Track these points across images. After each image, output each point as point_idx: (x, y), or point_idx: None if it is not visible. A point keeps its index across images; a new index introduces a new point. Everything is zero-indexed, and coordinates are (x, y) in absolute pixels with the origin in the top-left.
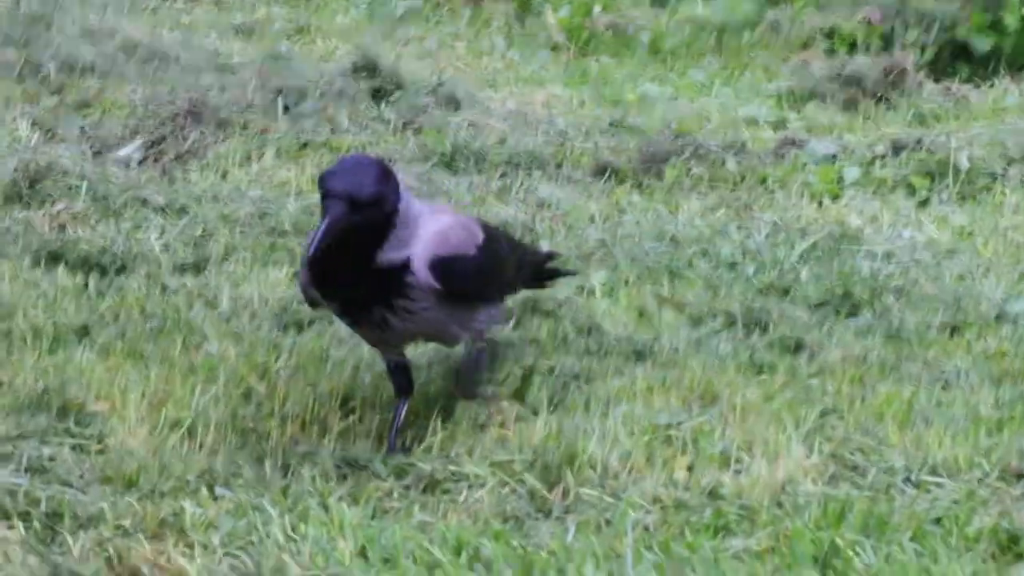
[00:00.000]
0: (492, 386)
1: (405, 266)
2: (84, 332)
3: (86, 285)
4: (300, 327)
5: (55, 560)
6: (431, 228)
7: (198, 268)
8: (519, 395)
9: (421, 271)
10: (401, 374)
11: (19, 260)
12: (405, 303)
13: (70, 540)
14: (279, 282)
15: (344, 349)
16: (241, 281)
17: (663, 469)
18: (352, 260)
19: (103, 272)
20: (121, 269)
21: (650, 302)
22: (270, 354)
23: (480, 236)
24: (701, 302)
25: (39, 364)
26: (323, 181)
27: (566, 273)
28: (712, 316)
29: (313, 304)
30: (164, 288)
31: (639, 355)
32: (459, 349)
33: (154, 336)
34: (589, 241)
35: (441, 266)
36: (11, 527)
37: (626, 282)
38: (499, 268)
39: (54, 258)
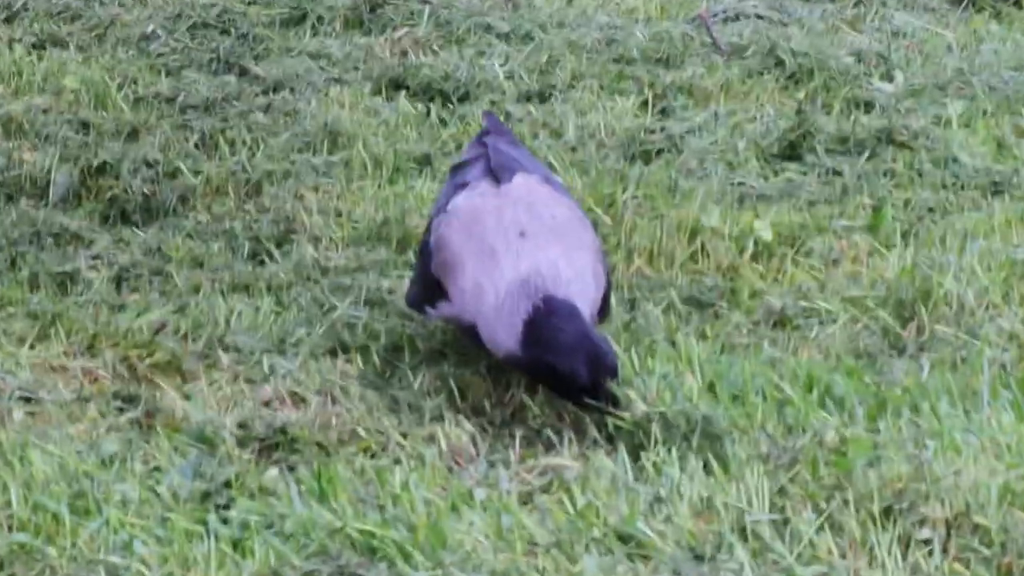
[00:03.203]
0: None
1: None
2: (425, 161)
3: (428, 113)
4: (648, 157)
5: (395, 394)
6: (593, 281)
7: (543, 96)
8: (872, 229)
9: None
10: None
11: (359, 87)
12: None
13: (410, 375)
14: (626, 111)
15: (693, 179)
16: (587, 110)
17: (1021, 305)
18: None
19: (445, 99)
20: (464, 97)
21: (1009, 133)
22: (616, 185)
23: (605, 264)
24: None
25: (379, 194)
26: (609, 369)
27: None
28: None
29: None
30: (508, 116)
31: (997, 188)
32: None
33: None
34: (946, 71)
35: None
36: (349, 361)
37: (984, 112)
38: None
39: (395, 85)
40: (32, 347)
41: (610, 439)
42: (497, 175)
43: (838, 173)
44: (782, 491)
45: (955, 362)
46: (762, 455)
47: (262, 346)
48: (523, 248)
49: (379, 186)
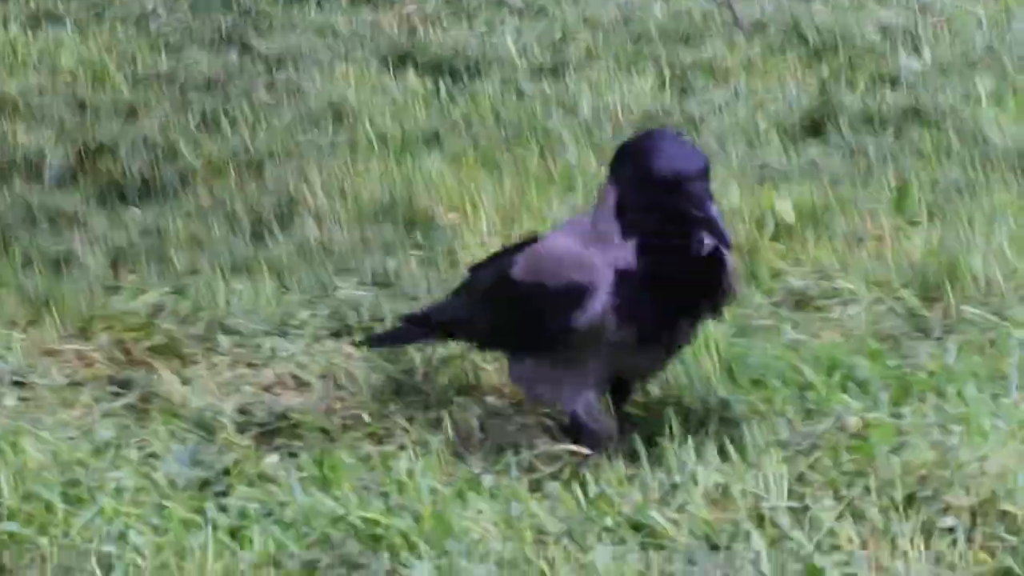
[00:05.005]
0: None
1: (723, 262)
2: (434, 139)
3: (437, 90)
4: None
5: (400, 378)
6: None
7: (556, 72)
8: (898, 207)
9: (729, 259)
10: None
11: (366, 63)
12: (717, 303)
13: (416, 358)
14: (643, 90)
15: (713, 159)
16: (603, 88)
17: None
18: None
19: (455, 76)
20: (475, 73)
21: None
22: None
23: None
24: None
25: (386, 173)
26: (662, 165)
27: None
28: None
29: (543, 347)
30: (520, 93)
31: None
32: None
33: (508, 144)
34: (976, 47)
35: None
36: (354, 343)
37: (1014, 89)
38: None
39: (403, 61)
40: (24, 330)
41: (624, 425)
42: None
43: (863, 151)
44: (801, 478)
45: (982, 345)
46: (781, 441)
47: (263, 328)
48: None
49: (385, 165)
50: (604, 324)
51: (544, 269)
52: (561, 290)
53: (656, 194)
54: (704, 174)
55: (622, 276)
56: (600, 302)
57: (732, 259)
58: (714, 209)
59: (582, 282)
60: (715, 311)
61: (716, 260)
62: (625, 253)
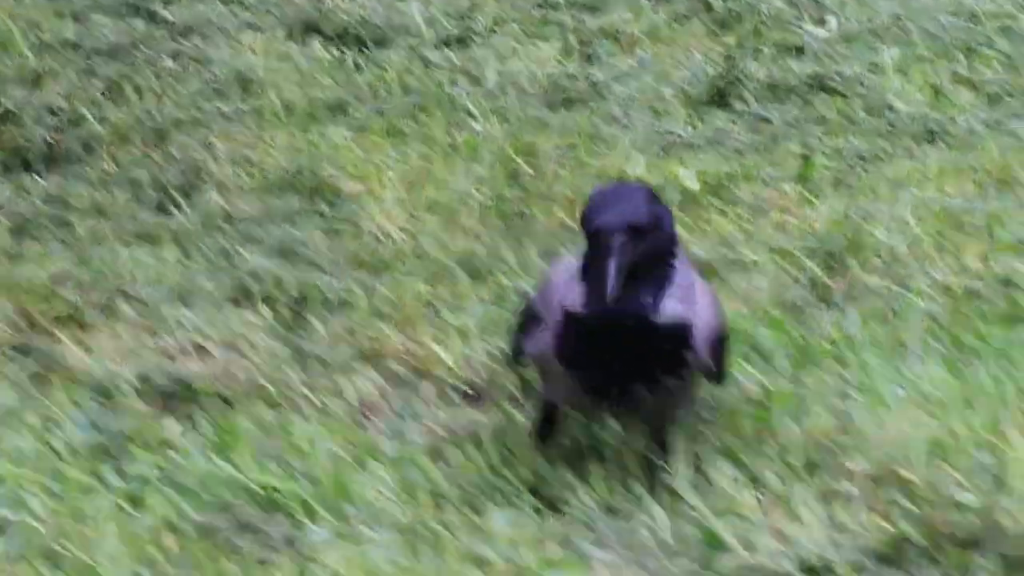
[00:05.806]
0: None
1: (685, 332)
2: (339, 108)
3: (343, 58)
4: (570, 104)
5: (301, 346)
6: (706, 299)
7: (463, 41)
8: (801, 177)
9: (701, 348)
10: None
11: (272, 32)
12: (672, 382)
13: (318, 325)
14: (549, 57)
15: (617, 127)
16: (508, 56)
17: (954, 256)
18: (632, 312)
19: (361, 45)
20: (381, 42)
21: (946, 80)
22: (538, 133)
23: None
24: (1000, 80)
25: (291, 142)
26: (590, 218)
27: None
28: (1011, 95)
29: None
30: (426, 62)
31: (932, 136)
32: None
33: (414, 113)
34: (881, 15)
35: (717, 347)
36: (256, 311)
37: (920, 58)
38: None
39: (309, 29)
40: None
41: (525, 391)
42: None
43: (767, 121)
44: (701, 443)
45: (885, 314)
46: None
47: (166, 297)
48: None
49: (291, 134)
50: (549, 362)
51: (541, 282)
52: (527, 312)
53: (587, 242)
54: (628, 230)
55: (568, 317)
56: (544, 339)
57: (706, 332)
58: (614, 264)
59: (539, 314)
60: (678, 378)
61: (679, 334)
62: (576, 295)
